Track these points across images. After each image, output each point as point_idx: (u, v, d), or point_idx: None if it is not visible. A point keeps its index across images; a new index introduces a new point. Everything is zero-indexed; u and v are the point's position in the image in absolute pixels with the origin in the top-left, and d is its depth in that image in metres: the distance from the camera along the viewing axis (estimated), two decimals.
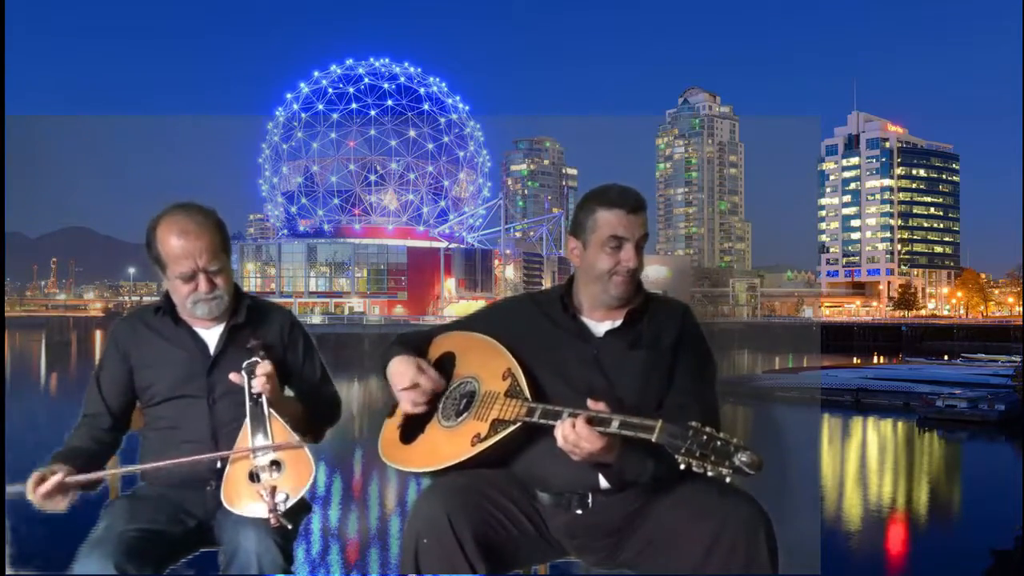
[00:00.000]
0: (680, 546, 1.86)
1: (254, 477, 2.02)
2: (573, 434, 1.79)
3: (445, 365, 2.11)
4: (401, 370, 2.03)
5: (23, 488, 1.95)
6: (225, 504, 2.02)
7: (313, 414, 2.26)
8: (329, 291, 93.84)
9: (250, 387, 2.09)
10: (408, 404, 2.03)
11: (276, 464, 2.04)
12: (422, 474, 2.01)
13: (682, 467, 1.68)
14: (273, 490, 1.98)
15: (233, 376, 2.11)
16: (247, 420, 2.08)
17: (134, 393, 2.23)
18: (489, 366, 2.02)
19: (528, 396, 1.92)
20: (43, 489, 1.93)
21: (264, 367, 2.09)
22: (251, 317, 2.23)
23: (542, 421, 1.87)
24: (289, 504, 1.98)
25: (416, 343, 2.15)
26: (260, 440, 2.05)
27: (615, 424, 1.77)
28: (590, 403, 1.83)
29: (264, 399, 2.08)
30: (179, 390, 2.17)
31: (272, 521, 1.95)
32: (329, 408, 2.33)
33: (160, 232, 2.12)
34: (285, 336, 2.27)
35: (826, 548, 12.70)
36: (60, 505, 1.97)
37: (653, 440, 1.72)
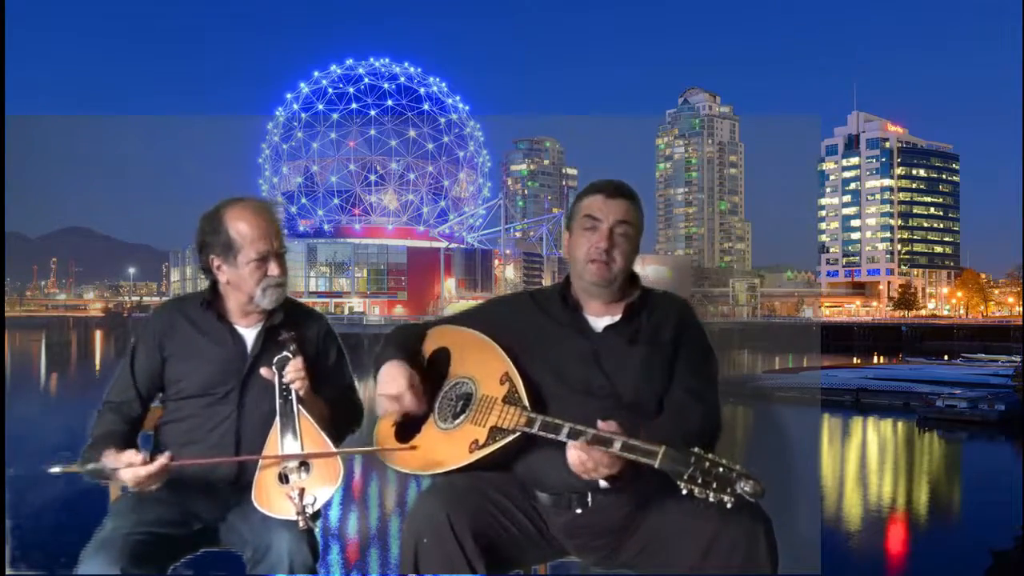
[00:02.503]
0: (679, 546, 1.85)
1: (283, 479, 2.01)
2: (591, 461, 1.78)
3: (440, 361, 2.09)
4: (393, 375, 2.00)
5: (96, 466, 1.94)
6: (257, 506, 2.00)
7: (340, 419, 2.24)
8: (329, 291, 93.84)
9: (281, 382, 2.07)
10: (387, 408, 2.01)
11: (304, 465, 2.01)
12: (420, 475, 2.01)
13: (684, 492, 1.68)
14: (302, 492, 1.96)
15: (264, 371, 2.08)
16: (277, 417, 2.05)
17: (162, 384, 2.21)
18: (486, 368, 2.00)
19: (526, 404, 1.90)
20: (152, 468, 1.93)
21: (295, 361, 2.07)
22: (288, 319, 2.21)
23: (541, 433, 1.85)
24: (317, 506, 1.97)
25: (412, 344, 2.12)
26: (289, 438, 2.03)
27: (617, 445, 1.75)
28: (600, 424, 1.80)
29: (294, 395, 2.06)
30: (211, 388, 2.14)
31: (301, 524, 1.93)
32: (354, 417, 2.31)
33: (230, 217, 2.12)
34: (320, 341, 2.25)
35: (826, 548, 12.70)
36: (156, 485, 1.97)
37: (656, 467, 1.71)
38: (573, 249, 2.04)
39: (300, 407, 2.06)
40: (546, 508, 1.96)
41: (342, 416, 2.25)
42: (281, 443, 2.03)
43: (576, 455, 1.79)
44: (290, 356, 2.08)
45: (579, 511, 1.94)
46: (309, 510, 1.94)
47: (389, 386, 1.99)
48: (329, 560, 12.46)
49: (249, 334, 2.18)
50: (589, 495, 1.93)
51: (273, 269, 2.13)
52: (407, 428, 2.05)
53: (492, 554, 1.86)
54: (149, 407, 2.21)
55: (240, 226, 2.11)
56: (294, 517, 1.94)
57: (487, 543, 1.85)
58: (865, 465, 22.45)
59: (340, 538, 13.84)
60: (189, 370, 2.16)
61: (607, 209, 2.01)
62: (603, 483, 1.91)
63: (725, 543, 1.80)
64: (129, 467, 1.93)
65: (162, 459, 1.95)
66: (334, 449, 2.05)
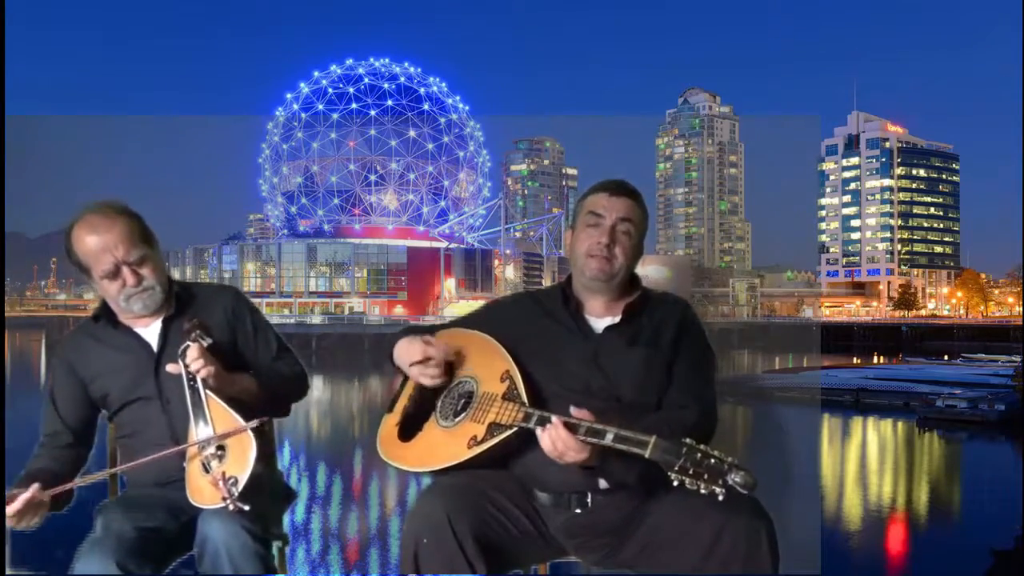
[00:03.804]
0: (680, 546, 1.86)
1: (206, 467, 2.00)
2: (561, 443, 1.80)
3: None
4: (407, 347, 2.02)
5: None
6: (192, 501, 2.00)
7: (275, 390, 2.20)
8: (329, 291, 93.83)
9: (187, 373, 2.04)
10: (426, 379, 2.01)
11: (221, 449, 2.01)
12: (420, 473, 2.01)
13: (675, 483, 1.68)
14: (223, 476, 1.96)
15: (170, 367, 2.07)
16: (188, 408, 2.03)
17: (93, 407, 2.20)
18: (488, 367, 2.01)
19: (525, 400, 1.91)
20: (14, 507, 1.91)
21: (194, 349, 2.04)
22: (185, 305, 2.19)
23: (538, 427, 1.86)
24: (240, 487, 1.95)
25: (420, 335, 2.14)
26: (202, 427, 2.02)
27: (609, 437, 1.76)
28: (573, 411, 1.82)
29: (199, 382, 2.03)
30: (132, 394, 2.14)
31: (231, 507, 1.92)
32: (292, 382, 2.26)
33: (74, 236, 2.08)
34: (230, 314, 2.22)
35: (826, 548, 12.70)
36: (32, 523, 1.95)
37: (646, 456, 1.71)
38: (575, 245, 2.06)
39: (208, 392, 2.03)
40: (546, 508, 1.96)
41: (277, 386, 2.21)
42: (196, 433, 2.02)
43: (546, 438, 1.81)
44: (190, 344, 2.05)
45: (578, 511, 1.94)
46: (234, 492, 1.93)
47: (411, 354, 2.01)
48: (329, 560, 12.47)
49: (150, 333, 2.17)
50: (589, 495, 1.94)
51: (129, 279, 2.08)
52: (409, 427, 2.05)
53: (492, 554, 1.86)
54: (85, 435, 2.20)
55: (82, 246, 2.08)
56: (222, 504, 1.94)
57: (487, 543, 1.85)
58: (865, 465, 22.45)
59: (340, 538, 13.85)
60: (108, 385, 2.16)
61: (610, 206, 2.03)
62: (603, 483, 1.91)
63: (726, 543, 1.80)
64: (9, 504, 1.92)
65: (27, 493, 1.92)
66: (245, 427, 2.02)
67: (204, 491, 1.98)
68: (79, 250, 2.08)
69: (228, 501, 1.92)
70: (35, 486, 1.93)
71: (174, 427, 2.10)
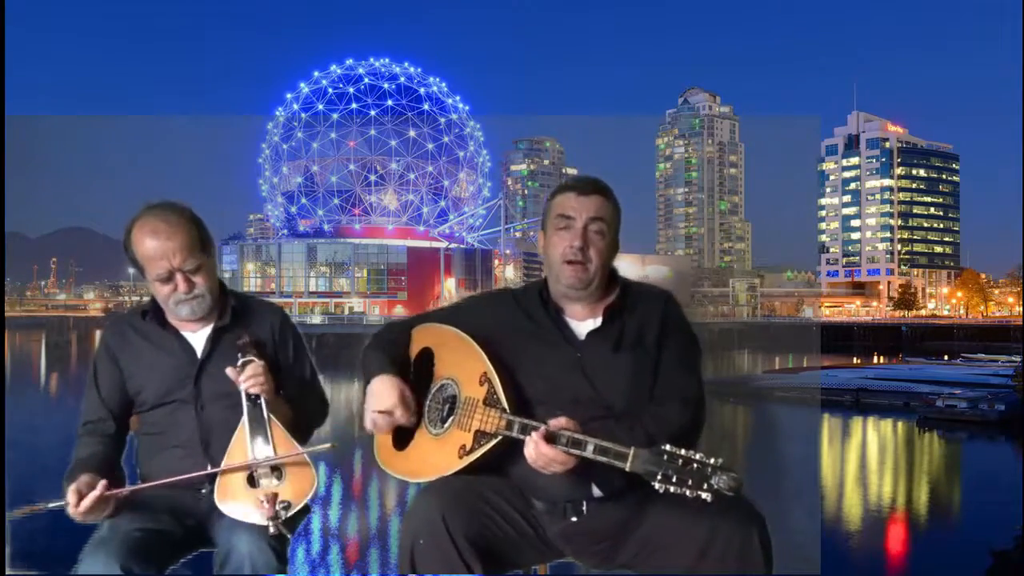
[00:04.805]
0: (675, 547, 1.85)
1: (253, 481, 1.99)
2: (544, 457, 1.79)
3: (424, 363, 2.07)
4: (382, 391, 1.94)
5: (62, 503, 1.94)
6: (217, 502, 1.99)
7: (302, 415, 2.21)
8: (329, 291, 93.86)
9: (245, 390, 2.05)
10: (369, 425, 1.97)
11: (277, 470, 1.99)
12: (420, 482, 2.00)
13: (660, 491, 1.66)
14: (274, 497, 1.94)
15: (229, 371, 2.07)
16: (244, 421, 2.03)
17: (130, 397, 2.21)
18: (466, 368, 1.97)
19: (505, 405, 1.88)
20: (84, 506, 1.92)
21: (255, 366, 2.05)
22: (238, 317, 2.19)
23: (520, 436, 1.84)
24: (290, 513, 1.95)
25: (400, 351, 2.08)
26: (260, 443, 2.01)
27: (590, 448, 1.75)
28: (551, 421, 1.80)
29: (263, 400, 2.04)
30: (168, 396, 2.15)
31: (272, 530, 1.92)
32: (319, 410, 2.29)
33: (135, 235, 2.09)
34: (276, 334, 2.23)
35: (826, 548, 12.71)
36: (103, 515, 1.97)
37: (627, 470, 1.70)
38: (548, 250, 1.99)
39: (270, 414, 2.04)
40: (542, 515, 1.95)
41: (306, 412, 2.22)
42: (251, 447, 2.01)
43: (528, 451, 1.80)
44: (252, 360, 2.06)
45: (574, 518, 1.93)
46: (282, 516, 1.93)
47: (379, 402, 1.94)
48: (329, 560, 12.48)
49: (197, 338, 2.17)
50: (584, 503, 1.92)
51: (180, 286, 2.09)
52: (402, 435, 2.04)
53: (489, 555, 1.86)
54: (126, 422, 2.21)
55: (141, 247, 2.08)
56: (261, 521, 1.93)
57: (483, 544, 1.85)
58: (865, 465, 22.46)
59: (340, 538, 13.85)
60: (145, 381, 2.17)
61: (580, 206, 1.96)
62: (596, 491, 1.90)
63: (720, 544, 1.80)
64: (68, 504, 1.93)
65: (96, 491, 1.93)
66: (306, 458, 2.03)
67: (238, 501, 1.98)
68: (136, 250, 2.09)
69: (272, 523, 1.92)
70: (99, 488, 1.94)
71: (204, 433, 2.11)
